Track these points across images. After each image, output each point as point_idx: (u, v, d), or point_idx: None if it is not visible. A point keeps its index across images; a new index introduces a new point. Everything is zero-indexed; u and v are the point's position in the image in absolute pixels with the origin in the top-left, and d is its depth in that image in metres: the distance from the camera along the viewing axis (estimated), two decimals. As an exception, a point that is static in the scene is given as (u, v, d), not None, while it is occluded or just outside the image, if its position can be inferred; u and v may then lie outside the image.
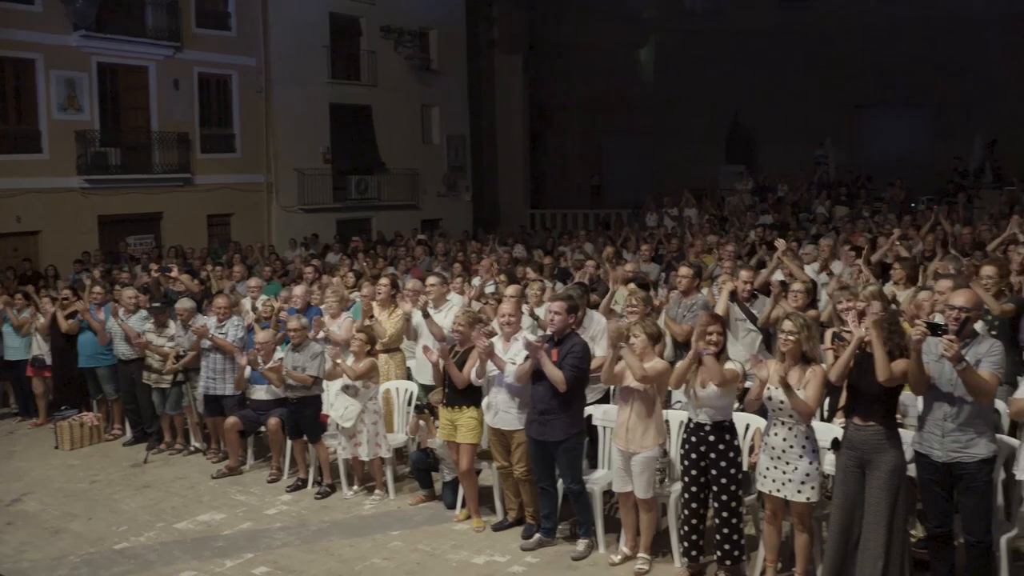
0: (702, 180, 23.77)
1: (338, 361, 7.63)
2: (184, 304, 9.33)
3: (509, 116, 29.13)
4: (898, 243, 10.36)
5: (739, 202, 20.31)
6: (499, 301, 8.28)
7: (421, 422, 7.70)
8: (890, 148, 25.19)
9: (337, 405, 7.77)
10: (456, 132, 27.38)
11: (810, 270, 9.79)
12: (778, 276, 8.93)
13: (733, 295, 7.88)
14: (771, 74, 25.45)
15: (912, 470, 5.50)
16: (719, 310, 7.44)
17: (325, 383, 8.00)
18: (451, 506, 7.42)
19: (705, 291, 8.74)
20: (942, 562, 5.37)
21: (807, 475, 5.46)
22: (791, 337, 5.49)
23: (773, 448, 5.54)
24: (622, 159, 29.02)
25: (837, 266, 10.00)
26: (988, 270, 6.97)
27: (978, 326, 5.43)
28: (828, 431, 5.80)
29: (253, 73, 21.95)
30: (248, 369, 8.21)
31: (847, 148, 25.22)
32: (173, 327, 9.30)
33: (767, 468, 5.58)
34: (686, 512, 5.91)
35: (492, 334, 6.86)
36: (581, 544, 6.48)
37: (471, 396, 6.90)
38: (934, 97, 24.56)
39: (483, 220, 26.79)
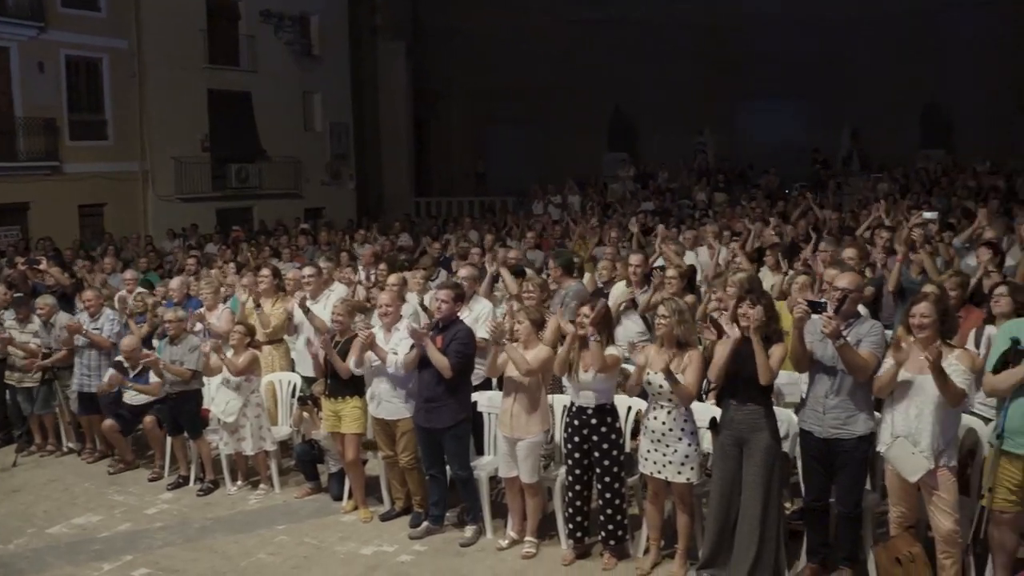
0: (586, 168, 24.14)
1: (219, 355, 7.46)
2: (45, 300, 8.95)
3: (393, 103, 28.86)
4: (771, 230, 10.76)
5: (621, 189, 20.71)
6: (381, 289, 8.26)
7: (305, 414, 7.60)
8: (766, 137, 26.07)
9: (218, 399, 7.60)
10: (339, 119, 26.97)
11: (691, 256, 10.07)
12: (659, 262, 9.15)
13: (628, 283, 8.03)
14: (653, 64, 26.00)
15: (786, 447, 5.78)
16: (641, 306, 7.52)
17: (205, 377, 7.81)
18: (338, 498, 7.36)
19: (587, 277, 8.89)
20: (817, 532, 5.64)
21: (687, 456, 5.63)
22: (663, 321, 5.66)
23: (653, 431, 5.68)
24: (507, 147, 29.16)
25: (705, 253, 10.25)
26: (849, 252, 7.33)
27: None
28: (706, 412, 6.00)
29: (125, 56, 21.05)
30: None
31: (725, 137, 26.01)
32: (37, 322, 8.90)
33: (648, 451, 5.72)
34: (571, 495, 6.03)
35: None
36: (469, 530, 6.53)
37: (354, 386, 6.86)
38: (806, 89, 25.56)
39: (368, 208, 26.52)
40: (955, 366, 4.98)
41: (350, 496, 7.21)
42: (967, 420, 5.47)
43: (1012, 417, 4.93)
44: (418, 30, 29.09)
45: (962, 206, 14.01)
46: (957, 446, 5.22)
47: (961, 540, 5.18)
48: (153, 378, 7.97)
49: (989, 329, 6.07)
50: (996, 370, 4.95)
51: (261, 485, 7.75)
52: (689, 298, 7.53)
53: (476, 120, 29.51)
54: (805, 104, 26.39)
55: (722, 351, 5.51)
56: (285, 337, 8.56)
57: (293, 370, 8.40)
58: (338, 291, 8.47)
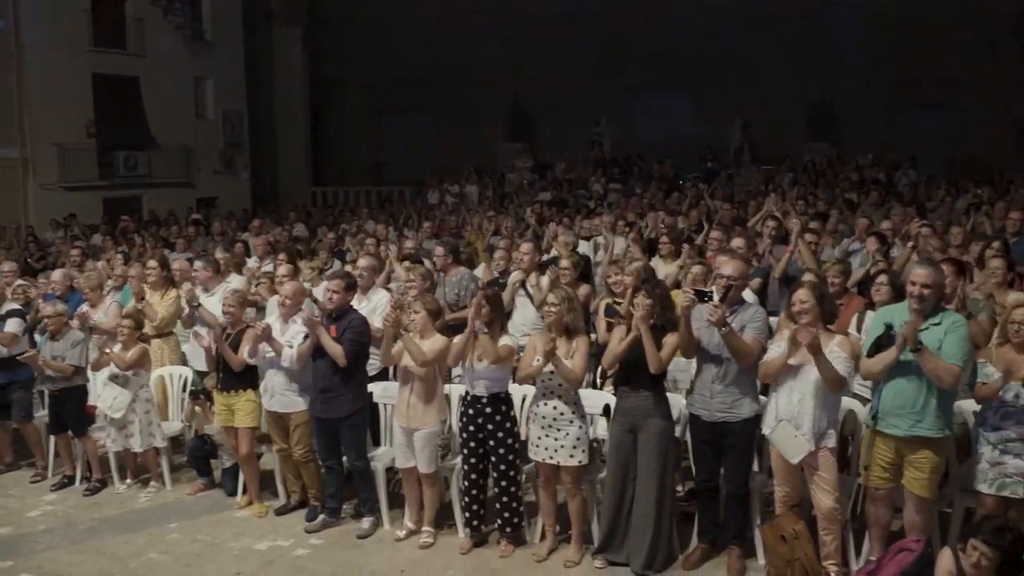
0: (484, 158, 24.18)
1: (106, 350, 7.22)
2: None
3: (289, 91, 28.31)
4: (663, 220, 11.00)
5: (519, 179, 20.83)
6: (272, 280, 8.15)
7: (197, 408, 7.43)
8: (660, 128, 26.56)
9: (105, 395, 7.34)
10: (233, 106, 26.30)
11: (585, 246, 10.22)
12: (554, 252, 9.26)
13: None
14: (550, 55, 26.17)
15: (678, 431, 5.94)
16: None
17: (91, 372, 7.55)
18: (231, 493, 7.23)
19: (482, 267, 8.94)
20: (707, 513, 5.83)
21: (578, 439, 5.72)
22: (553, 309, 5.73)
23: (544, 418, 5.75)
24: (405, 136, 28.93)
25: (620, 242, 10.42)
26: (738, 242, 7.57)
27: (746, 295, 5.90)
28: (600, 398, 6.11)
29: (2, 37, 20.04)
30: None
31: (621, 128, 26.39)
32: None
33: (539, 438, 5.79)
34: (467, 484, 6.07)
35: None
36: (366, 522, 6.49)
37: (247, 379, 6.74)
38: (699, 81, 26.13)
39: (263, 198, 25.96)
40: (836, 352, 5.19)
41: (244, 491, 7.08)
42: (847, 402, 5.72)
43: (885, 399, 5.18)
44: (315, 16, 28.58)
45: (844, 198, 14.59)
46: (837, 428, 5.45)
47: (841, 516, 5.42)
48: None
49: (870, 315, 6.35)
50: (870, 354, 5.19)
51: (152, 483, 7.53)
52: (583, 288, 7.67)
53: (374, 109, 29.20)
54: (698, 96, 26.98)
55: (616, 340, 5.62)
56: (175, 330, 8.34)
57: (184, 363, 8.19)
58: (235, 283, 8.29)
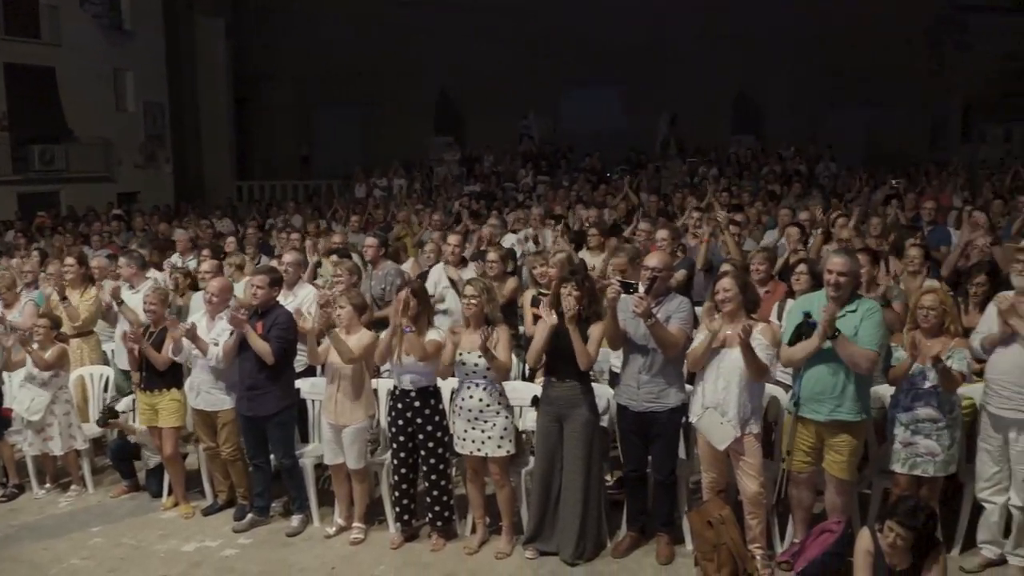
0: (412, 151, 24.05)
1: (27, 348, 7.00)
2: None
3: (212, 83, 27.75)
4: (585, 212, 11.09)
5: (447, 173, 20.77)
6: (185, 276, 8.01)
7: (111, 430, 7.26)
8: (588, 122, 26.73)
9: (22, 397, 7.12)
10: (154, 99, 25.67)
11: (513, 239, 10.24)
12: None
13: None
14: (478, 48, 26.13)
15: (606, 421, 6.00)
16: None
17: (5, 374, 7.31)
18: (157, 494, 7.07)
19: (411, 261, 8.91)
20: (636, 501, 5.91)
21: (504, 430, 5.75)
22: (472, 301, 5.74)
23: (470, 410, 5.76)
24: (332, 129, 28.64)
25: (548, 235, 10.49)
26: (662, 233, 7.68)
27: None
28: (528, 390, 6.14)
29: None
30: None
31: (550, 121, 26.49)
32: None
33: (465, 431, 5.80)
34: (396, 478, 6.05)
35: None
36: (295, 520, 6.43)
37: (171, 378, 6.62)
38: (627, 75, 26.39)
39: (186, 193, 25.41)
40: (758, 339, 5.30)
41: (170, 492, 6.95)
42: (770, 389, 5.84)
43: (805, 385, 5.32)
44: (239, 7, 28.07)
45: (768, 189, 14.90)
46: (761, 414, 5.57)
47: (765, 500, 5.55)
48: None
49: (790, 303, 6.49)
50: (791, 342, 5.31)
51: (72, 486, 7.33)
52: (511, 281, 7.70)
53: (300, 102, 28.84)
54: (625, 89, 27.23)
55: (540, 333, 5.66)
56: (96, 329, 8.13)
57: (105, 363, 7.99)
58: (157, 279, 8.11)
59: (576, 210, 11.62)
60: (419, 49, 26.35)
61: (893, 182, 15.44)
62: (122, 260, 8.03)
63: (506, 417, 5.77)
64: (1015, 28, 26.81)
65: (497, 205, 13.48)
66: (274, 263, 8.00)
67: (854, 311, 5.22)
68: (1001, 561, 5.55)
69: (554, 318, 5.52)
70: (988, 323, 5.45)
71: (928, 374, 5.28)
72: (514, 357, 6.21)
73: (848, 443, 5.30)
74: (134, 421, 7.01)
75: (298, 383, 6.64)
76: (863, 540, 4.81)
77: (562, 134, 25.64)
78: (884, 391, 5.74)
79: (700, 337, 5.51)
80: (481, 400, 5.73)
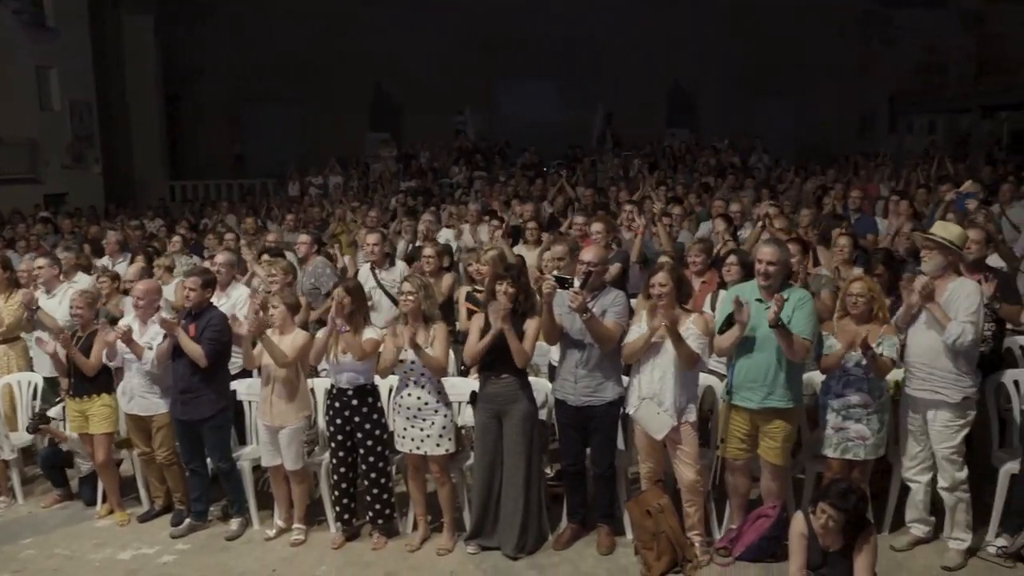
0: (347, 148, 23.84)
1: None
2: None
3: (142, 81, 27.08)
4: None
5: (383, 169, 20.63)
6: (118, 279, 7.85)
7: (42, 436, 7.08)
8: (525, 116, 26.79)
9: (-55, 407, 6.92)
10: (80, 98, 24.94)
11: (449, 235, 10.23)
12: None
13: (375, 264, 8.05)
14: (414, 42, 25.99)
15: (544, 414, 6.04)
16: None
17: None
18: (91, 503, 6.93)
19: (347, 259, 8.85)
20: (575, 494, 5.96)
21: (444, 427, 5.75)
22: (410, 298, 5.73)
23: (408, 408, 5.75)
24: (267, 127, 28.23)
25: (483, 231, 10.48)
26: (596, 226, 7.74)
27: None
28: (466, 385, 6.14)
29: None
30: None
31: (485, 116, 26.49)
32: None
33: (404, 429, 5.79)
34: (336, 478, 6.01)
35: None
36: (234, 523, 6.36)
37: (102, 383, 6.49)
38: (562, 69, 26.50)
39: (117, 194, 24.82)
40: (691, 330, 5.39)
41: (104, 500, 6.80)
42: (705, 378, 5.93)
43: (738, 374, 5.43)
44: (167, 3, 27.46)
45: (702, 182, 15.10)
46: (697, 403, 5.66)
47: (703, 488, 5.65)
48: None
49: (722, 294, 6.60)
50: (722, 331, 5.41)
51: (1, 498, 7.14)
52: (447, 277, 7.69)
53: (233, 99, 28.33)
54: (561, 84, 27.35)
55: (475, 331, 5.67)
56: (24, 335, 7.91)
57: (32, 370, 7.78)
58: (81, 282, 7.92)
59: (513, 205, 11.63)
60: (354, 45, 26.09)
61: (822, 174, 15.75)
62: (41, 261, 7.83)
63: (445, 415, 5.77)
64: (936, 22, 27.65)
65: (434, 201, 13.43)
66: (207, 264, 7.88)
67: (786, 300, 5.32)
68: (929, 539, 5.72)
69: (499, 323, 5.50)
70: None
71: (859, 360, 5.40)
72: (452, 353, 6.21)
73: (781, 429, 5.42)
74: (64, 428, 6.84)
75: (234, 385, 6.56)
76: (797, 523, 4.93)
77: (498, 129, 25.65)
78: (815, 378, 5.87)
79: (636, 329, 5.57)
80: (420, 398, 5.72)
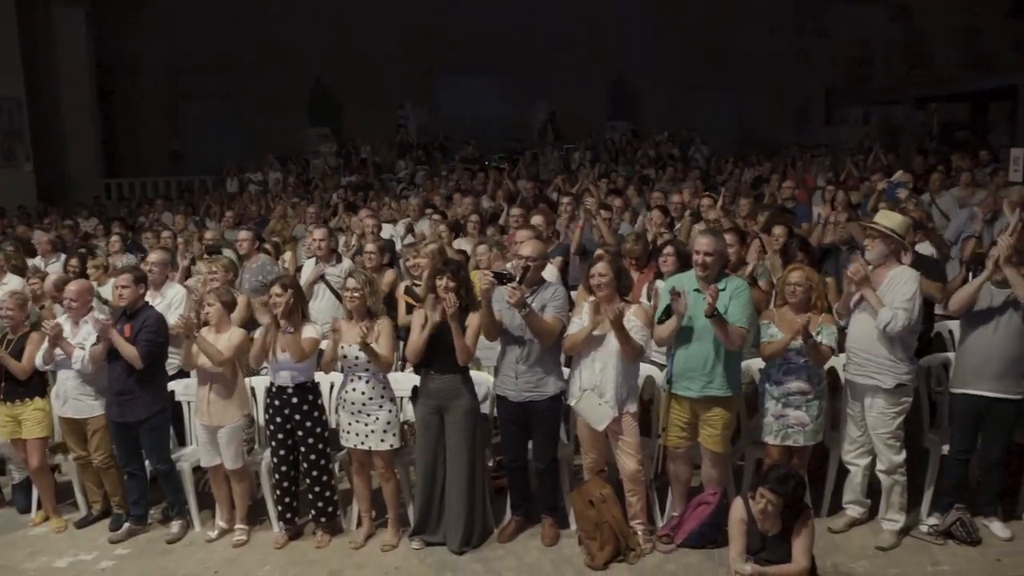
0: (287, 144, 23.56)
1: None
2: None
3: (74, 76, 26.38)
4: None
5: (324, 165, 20.42)
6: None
7: None
8: (467, 111, 26.71)
9: None
10: (8, 93, 24.26)
11: (390, 230, 10.17)
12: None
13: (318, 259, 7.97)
14: (353, 37, 25.76)
15: (487, 408, 6.04)
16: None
17: None
18: (25, 510, 6.76)
19: (287, 255, 8.76)
20: (519, 488, 5.98)
21: (388, 423, 5.72)
22: (355, 294, 5.70)
23: (353, 403, 5.71)
24: (204, 123, 27.73)
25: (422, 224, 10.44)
26: (536, 220, 7.77)
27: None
28: (409, 380, 6.12)
29: None
30: None
31: (427, 111, 26.37)
32: None
33: (349, 424, 5.76)
34: (278, 476, 5.95)
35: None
36: (175, 525, 6.24)
37: (34, 387, 6.34)
38: (504, 62, 26.46)
39: (49, 192, 24.20)
40: (632, 321, 5.44)
41: (39, 506, 6.64)
42: (646, 368, 5.99)
43: (678, 363, 5.49)
44: (99, -4, 26.82)
45: (642, 174, 15.23)
46: (638, 393, 5.72)
47: (644, 477, 5.71)
48: None
49: (659, 284, 6.66)
50: (660, 321, 5.47)
51: (-71, 508, 6.95)
52: (390, 273, 7.66)
53: (170, 94, 27.79)
54: (502, 78, 27.32)
55: (416, 326, 5.65)
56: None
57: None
58: (11, 283, 7.73)
59: (455, 199, 11.61)
60: (292, 38, 25.76)
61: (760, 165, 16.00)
62: None
63: (390, 411, 5.74)
64: (868, 16, 28.26)
65: (375, 196, 13.33)
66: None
67: (723, 289, 5.40)
68: (865, 520, 5.86)
69: (437, 317, 5.48)
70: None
71: (799, 349, 5.48)
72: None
73: (721, 417, 5.50)
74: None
75: (171, 385, 6.44)
76: (736, 509, 5.01)
77: (440, 123, 25.56)
78: (754, 365, 5.97)
79: (577, 322, 5.60)
80: (364, 393, 5.68)
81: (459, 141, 21.89)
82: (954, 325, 6.33)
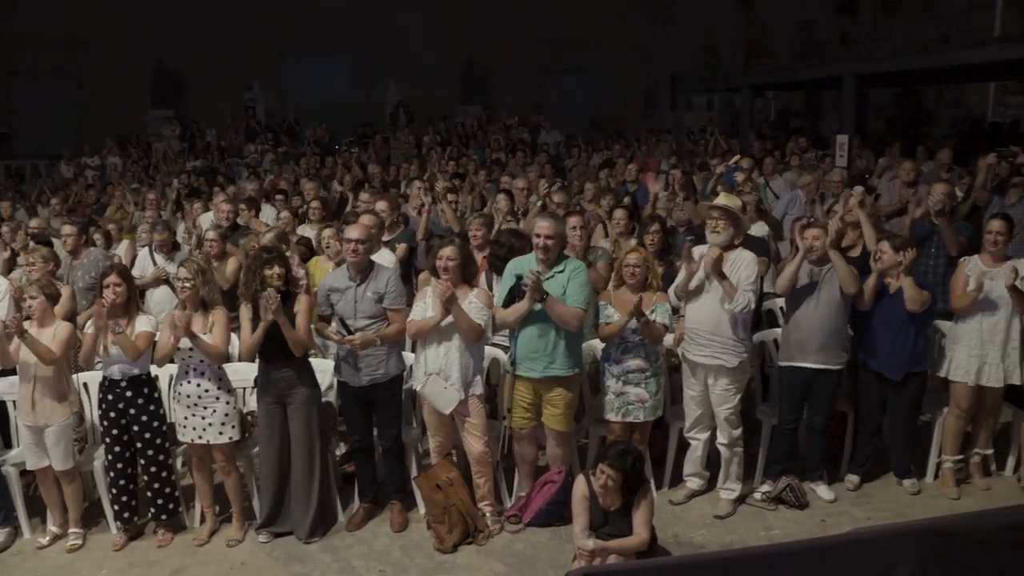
0: (127, 126, 22.47)
1: None
2: None
3: None
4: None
5: (166, 149, 19.59)
6: None
7: None
8: (316, 93, 26.19)
9: None
10: None
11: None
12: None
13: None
14: (199, 15, 24.76)
15: (332, 396, 5.97)
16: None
17: None
18: None
19: (125, 245, 8.38)
20: (365, 472, 5.96)
21: (226, 415, 5.59)
22: (187, 284, 5.53)
23: (188, 396, 5.55)
24: (37, 103, 26.12)
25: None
26: (381, 205, 7.72)
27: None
28: (250, 371, 5.97)
29: None
30: None
31: (276, 93, 25.70)
32: None
33: (185, 418, 5.58)
34: (113, 475, 5.70)
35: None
36: (1, 534, 5.86)
37: None
38: (354, 44, 26.06)
39: None
40: (474, 303, 5.49)
41: None
42: (491, 351, 6.06)
43: (520, 345, 5.58)
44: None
45: (493, 158, 15.32)
46: (483, 376, 5.77)
47: (491, 459, 5.78)
48: None
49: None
50: (504, 304, 5.53)
51: None
52: (232, 262, 7.43)
53: (-1, 72, 26.05)
54: (353, 59, 26.92)
55: (245, 324, 5.53)
56: None
57: None
58: None
59: (302, 184, 11.36)
60: (134, 15, 24.50)
61: (608, 149, 16.34)
62: None
63: (227, 402, 5.60)
64: (713, 5, 29.33)
65: (220, 182, 12.86)
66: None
67: (562, 271, 5.51)
68: (704, 491, 6.13)
69: (269, 316, 5.37)
70: (681, 275, 5.91)
71: (636, 328, 5.65)
72: (234, 337, 6.04)
73: (563, 397, 5.62)
74: None
75: (-6, 384, 6.05)
76: (579, 486, 5.13)
77: (289, 106, 24.96)
78: (595, 345, 6.11)
79: (421, 306, 5.60)
80: (200, 386, 5.52)
81: (308, 124, 21.41)
82: (784, 302, 6.66)
